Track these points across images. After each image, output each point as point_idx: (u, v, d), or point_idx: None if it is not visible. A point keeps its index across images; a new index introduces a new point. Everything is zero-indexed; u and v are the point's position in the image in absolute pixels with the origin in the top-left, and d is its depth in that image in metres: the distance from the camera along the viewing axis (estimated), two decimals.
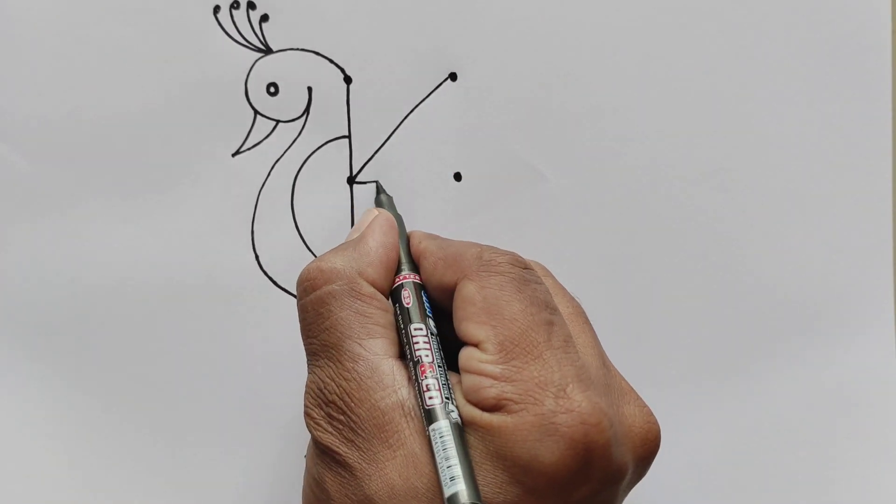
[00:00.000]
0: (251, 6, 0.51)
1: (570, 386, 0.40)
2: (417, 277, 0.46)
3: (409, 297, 0.45)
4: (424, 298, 0.45)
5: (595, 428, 0.40)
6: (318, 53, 0.51)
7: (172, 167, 0.51)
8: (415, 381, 0.42)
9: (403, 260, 0.46)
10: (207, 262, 0.51)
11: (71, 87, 0.50)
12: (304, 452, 0.51)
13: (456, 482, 0.39)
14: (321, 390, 0.43)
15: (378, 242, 0.46)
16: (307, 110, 0.51)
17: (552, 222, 0.51)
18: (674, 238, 0.51)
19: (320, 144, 0.51)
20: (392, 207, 0.50)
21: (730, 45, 0.51)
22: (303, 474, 0.50)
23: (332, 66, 0.51)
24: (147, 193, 0.51)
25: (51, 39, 0.50)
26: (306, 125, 0.51)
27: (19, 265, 0.51)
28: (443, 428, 0.40)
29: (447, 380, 0.42)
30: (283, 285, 0.51)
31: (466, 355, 0.42)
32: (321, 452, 0.42)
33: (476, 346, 0.42)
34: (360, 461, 0.41)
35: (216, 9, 0.50)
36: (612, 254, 0.51)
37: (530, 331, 0.41)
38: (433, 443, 0.40)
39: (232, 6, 0.50)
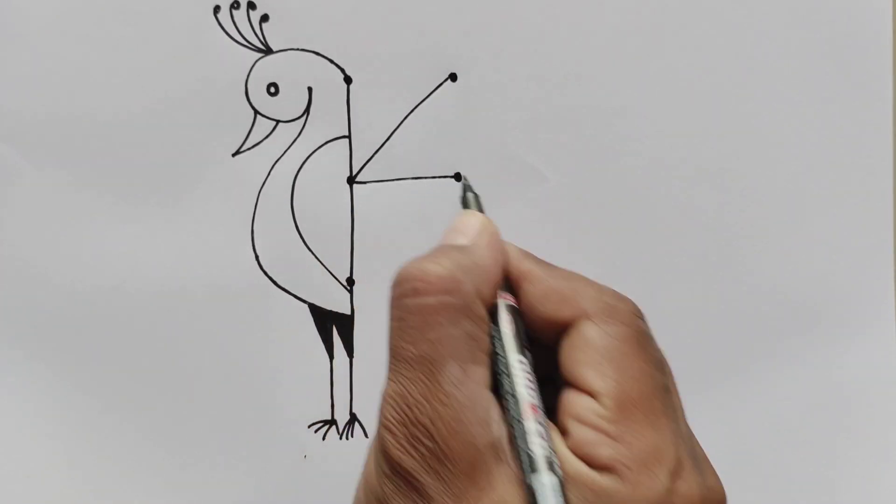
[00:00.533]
0: (251, 6, 0.51)
1: (686, 468, 0.38)
2: (514, 301, 0.42)
3: (509, 323, 0.41)
4: (521, 326, 0.41)
5: None
6: (318, 53, 0.51)
7: (172, 167, 0.51)
8: (512, 419, 0.39)
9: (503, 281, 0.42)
10: (207, 262, 0.51)
11: (71, 87, 0.50)
12: (304, 453, 0.51)
13: None
14: (409, 407, 0.39)
15: (490, 258, 0.41)
16: (307, 110, 0.51)
17: (552, 222, 0.51)
18: (674, 238, 0.51)
19: (320, 144, 0.51)
20: (481, 208, 0.44)
21: (730, 45, 0.51)
22: (309, 471, 0.51)
23: (332, 66, 0.51)
24: (147, 193, 0.51)
25: (51, 39, 0.50)
26: (306, 125, 0.51)
27: (19, 265, 0.51)
28: (550, 484, 0.37)
29: (546, 426, 0.39)
30: (283, 285, 0.51)
31: (579, 403, 0.39)
32: (394, 473, 0.39)
33: (591, 395, 0.39)
34: (443, 495, 0.38)
35: (216, 9, 0.50)
36: (612, 254, 0.51)
37: (651, 395, 0.39)
38: (538, 495, 0.37)
39: (232, 6, 0.50)
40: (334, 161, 0.51)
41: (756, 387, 0.52)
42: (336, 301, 0.51)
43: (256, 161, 0.51)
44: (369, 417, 0.52)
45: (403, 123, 0.51)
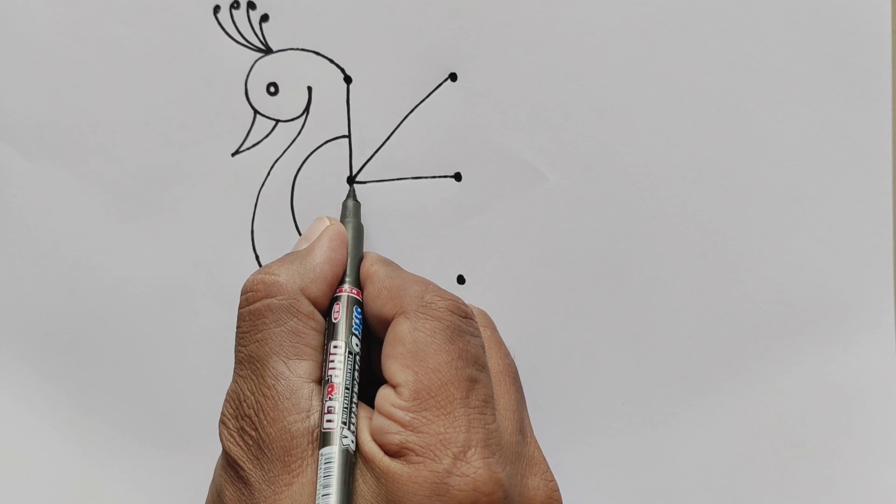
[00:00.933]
0: (251, 6, 0.51)
1: (473, 450, 0.40)
2: (359, 293, 0.45)
3: (338, 312, 0.44)
4: (357, 314, 0.44)
5: (486, 497, 0.40)
6: (318, 53, 0.51)
7: (172, 167, 0.51)
8: (322, 400, 0.42)
9: (348, 273, 0.46)
10: (207, 262, 0.51)
11: (71, 87, 0.50)
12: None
13: None
14: (240, 402, 0.43)
15: (324, 257, 0.45)
16: (307, 110, 0.51)
17: (552, 222, 0.51)
18: (674, 238, 0.51)
19: (320, 144, 0.51)
20: (356, 216, 0.49)
21: (730, 44, 0.51)
22: None
23: (332, 66, 0.51)
24: (147, 193, 0.51)
25: (51, 39, 0.50)
26: (306, 125, 0.51)
27: (19, 265, 0.51)
28: (330, 454, 0.40)
29: (353, 404, 0.42)
30: None
31: (382, 395, 0.42)
32: (227, 464, 0.42)
33: (394, 387, 0.42)
34: (260, 481, 0.41)
35: (216, 9, 0.50)
36: (612, 254, 0.51)
37: (450, 385, 0.41)
38: (319, 467, 0.40)
39: (232, 6, 0.50)
40: (334, 161, 0.51)
41: (756, 386, 0.52)
42: None
43: (256, 161, 0.51)
44: None
45: (403, 123, 0.51)
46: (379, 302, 0.45)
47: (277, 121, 0.51)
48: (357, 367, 0.43)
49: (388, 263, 0.47)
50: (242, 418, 0.42)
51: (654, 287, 0.51)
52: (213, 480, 0.44)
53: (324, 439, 0.41)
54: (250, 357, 0.43)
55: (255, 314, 0.44)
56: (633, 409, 0.51)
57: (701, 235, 0.51)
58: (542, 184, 0.51)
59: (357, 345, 0.44)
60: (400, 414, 0.41)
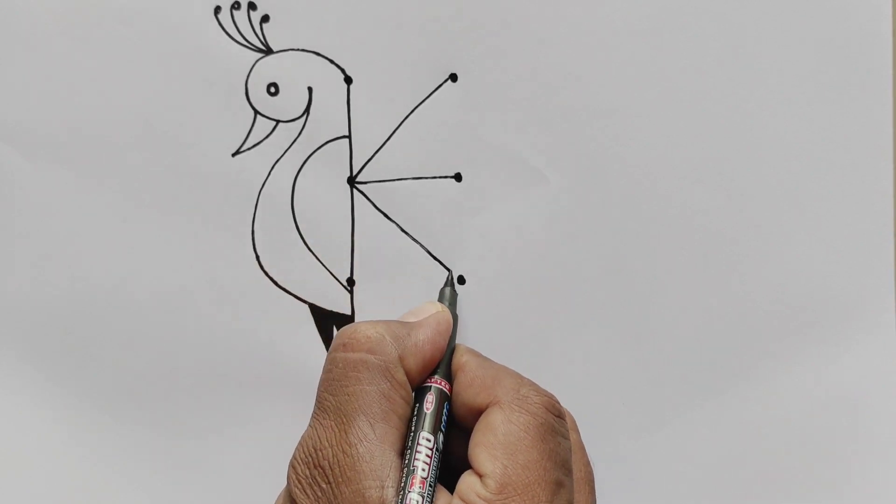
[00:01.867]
0: (252, 7, 0.51)
1: None
2: (447, 386, 0.45)
3: (431, 403, 0.44)
4: (446, 411, 0.45)
5: None
6: (318, 53, 0.51)
7: (172, 167, 0.51)
8: (402, 487, 0.42)
9: (443, 362, 0.46)
10: (207, 262, 0.51)
11: (71, 88, 0.50)
12: None
13: None
14: (316, 451, 0.42)
15: (428, 338, 0.45)
16: (307, 110, 0.51)
17: (552, 222, 0.51)
18: (674, 238, 0.51)
19: (320, 144, 0.51)
20: (454, 305, 0.49)
21: (730, 44, 0.51)
22: None
23: (332, 66, 0.51)
24: (147, 193, 0.51)
25: (51, 39, 0.50)
26: (306, 125, 0.51)
27: (19, 265, 0.51)
28: None
29: (432, 499, 0.42)
30: (283, 285, 0.51)
31: (467, 482, 0.42)
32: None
33: (480, 476, 0.42)
34: None
35: (217, 9, 0.51)
36: (612, 254, 0.51)
37: (536, 485, 0.41)
38: None
39: (233, 7, 0.51)
40: (334, 161, 0.51)
41: (756, 387, 0.52)
42: (336, 301, 0.51)
43: (257, 161, 0.51)
44: None
45: (403, 124, 0.51)
46: (472, 391, 0.45)
47: (278, 121, 0.51)
48: (439, 464, 0.43)
49: (478, 355, 0.47)
50: (316, 468, 0.42)
51: (655, 287, 0.51)
52: None
53: None
54: (337, 408, 0.43)
55: (350, 365, 0.43)
56: (633, 409, 0.51)
57: (701, 236, 0.51)
58: (543, 184, 0.51)
59: (442, 442, 0.44)
60: None
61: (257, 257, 0.51)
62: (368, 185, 0.51)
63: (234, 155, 0.51)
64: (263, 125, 0.51)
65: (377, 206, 0.51)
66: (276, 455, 0.51)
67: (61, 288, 0.51)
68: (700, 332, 0.51)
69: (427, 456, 0.43)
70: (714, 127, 0.51)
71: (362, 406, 0.42)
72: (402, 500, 0.41)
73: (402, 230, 0.51)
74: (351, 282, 0.51)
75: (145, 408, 0.51)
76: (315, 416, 0.43)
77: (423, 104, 0.51)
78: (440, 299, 0.49)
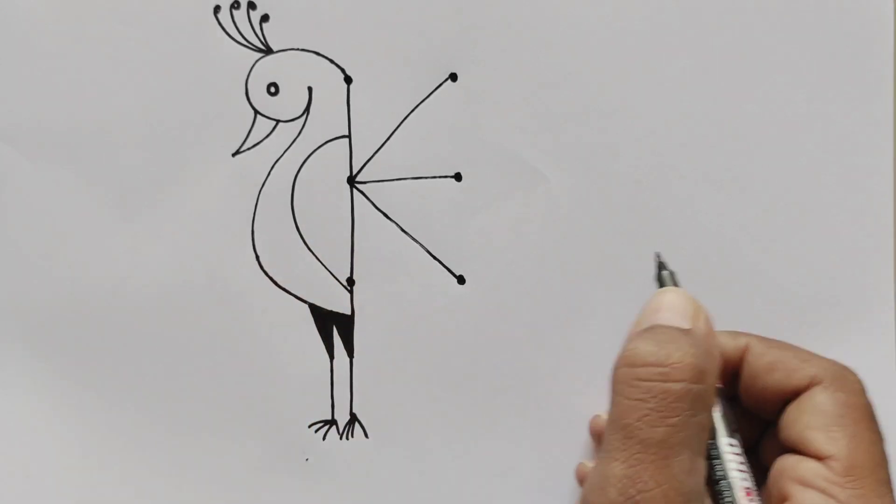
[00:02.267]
0: (251, 6, 0.51)
1: None
2: (720, 383, 0.43)
3: (718, 410, 0.42)
4: (730, 408, 0.43)
5: None
6: (318, 53, 0.51)
7: (172, 167, 0.51)
8: (722, 496, 0.40)
9: None
10: (207, 262, 0.51)
11: (71, 87, 0.50)
12: (305, 456, 0.51)
13: None
14: (637, 492, 0.38)
15: (716, 346, 0.42)
16: (307, 110, 0.51)
17: (552, 222, 0.51)
18: (674, 238, 0.51)
19: (320, 144, 0.51)
20: (678, 285, 0.46)
21: (730, 44, 0.51)
22: (309, 471, 0.50)
23: (332, 66, 0.51)
24: (147, 193, 0.51)
25: (51, 39, 0.50)
26: (306, 125, 0.51)
27: (19, 265, 0.51)
28: None
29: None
30: (283, 285, 0.51)
31: (809, 468, 0.40)
32: None
33: (820, 459, 0.40)
34: None
35: (216, 9, 0.50)
36: (613, 254, 0.51)
37: (880, 467, 0.40)
38: None
39: (232, 6, 0.50)
40: (334, 161, 0.51)
41: None
42: (336, 301, 0.51)
43: (256, 161, 0.51)
44: (369, 417, 0.52)
45: (403, 123, 0.51)
46: (777, 374, 0.43)
47: (278, 121, 0.51)
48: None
49: (748, 334, 0.45)
50: (628, 499, 0.38)
51: (655, 287, 0.51)
52: None
53: None
54: (660, 442, 0.39)
55: (676, 397, 0.39)
56: None
57: (701, 235, 0.51)
58: (543, 184, 0.51)
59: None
60: (835, 489, 0.39)
61: (257, 257, 0.51)
62: (368, 184, 0.51)
63: (234, 155, 0.51)
64: (263, 125, 0.51)
65: (377, 205, 0.51)
66: (276, 455, 0.51)
67: (61, 288, 0.51)
68: None
69: (741, 462, 0.41)
70: (714, 127, 0.51)
71: (686, 440, 0.39)
72: None
73: (402, 230, 0.51)
74: (351, 282, 0.51)
75: (144, 407, 0.51)
76: (625, 449, 0.39)
77: (422, 104, 0.51)
78: (662, 285, 0.45)
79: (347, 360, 0.52)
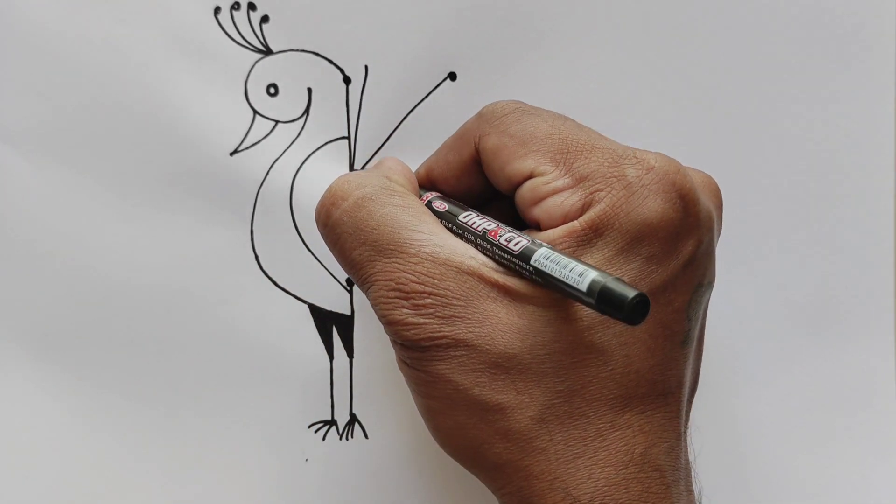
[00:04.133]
0: (252, 7, 0.51)
1: (638, 152, 0.41)
2: (439, 194, 0.45)
3: (441, 205, 0.44)
4: (455, 202, 0.44)
5: (678, 175, 0.41)
6: (317, 54, 0.51)
7: (172, 167, 0.51)
8: (491, 248, 0.41)
9: (419, 188, 0.46)
10: (207, 262, 0.51)
11: (71, 87, 0.50)
12: (305, 456, 0.51)
13: (586, 274, 0.37)
14: (395, 289, 0.40)
15: (394, 162, 0.46)
16: (307, 111, 0.51)
17: None
18: None
19: (320, 145, 0.51)
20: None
21: (732, 44, 0.51)
22: (309, 472, 0.50)
23: (332, 66, 0.51)
24: (147, 193, 0.51)
25: (51, 39, 0.50)
26: (306, 125, 0.51)
27: (19, 265, 0.51)
28: (545, 252, 0.39)
29: (520, 231, 0.41)
30: (283, 285, 0.51)
31: (529, 188, 0.41)
32: (423, 350, 0.40)
33: (529, 177, 0.41)
34: (470, 330, 0.40)
35: (217, 10, 0.51)
36: None
37: (569, 135, 0.42)
38: (544, 268, 0.38)
39: (232, 7, 0.50)
40: (334, 161, 0.51)
41: (756, 387, 0.52)
42: (336, 301, 0.51)
43: (255, 160, 0.51)
44: (369, 418, 0.52)
45: (403, 123, 0.51)
46: (453, 158, 0.45)
47: (277, 122, 0.51)
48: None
49: (431, 155, 0.47)
50: (409, 297, 0.40)
51: None
52: (416, 393, 0.42)
53: (524, 257, 0.39)
54: (376, 247, 0.41)
55: (354, 209, 0.42)
56: None
57: None
58: None
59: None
60: (559, 182, 0.41)
61: (256, 257, 0.51)
62: None
63: (232, 154, 0.51)
64: (263, 125, 0.51)
65: None
66: (276, 454, 0.51)
67: (61, 288, 0.51)
68: None
69: (481, 219, 0.42)
70: (715, 126, 0.51)
71: (395, 225, 0.41)
72: (499, 246, 0.40)
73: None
74: (350, 282, 0.51)
75: (144, 407, 0.51)
76: (364, 277, 0.42)
77: (422, 104, 0.51)
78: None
79: (347, 360, 0.52)
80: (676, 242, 0.40)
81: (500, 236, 0.40)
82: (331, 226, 0.43)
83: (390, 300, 0.41)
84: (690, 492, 0.42)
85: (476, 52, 0.51)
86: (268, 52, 0.51)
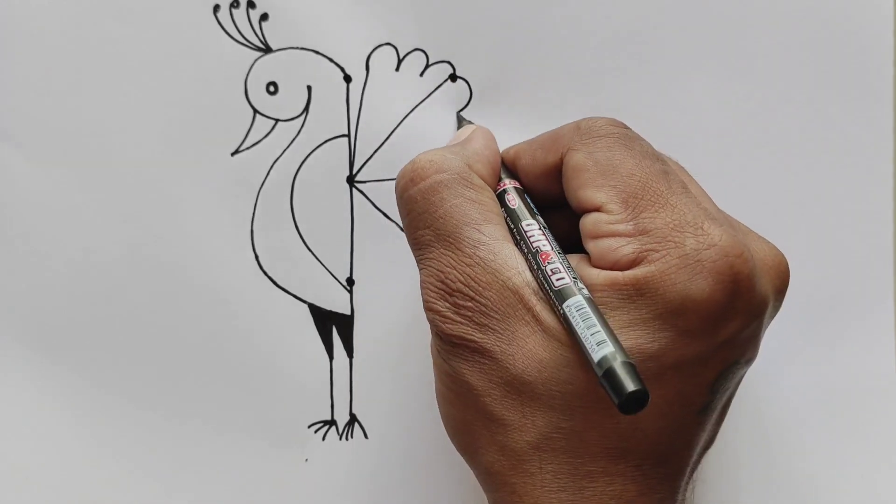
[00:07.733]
0: (251, 5, 0.51)
1: (706, 224, 0.40)
2: (517, 184, 0.45)
3: (514, 200, 0.44)
4: (529, 201, 0.45)
5: (739, 259, 0.40)
6: (317, 52, 0.51)
7: (172, 166, 0.51)
8: (537, 270, 0.41)
9: (502, 169, 0.46)
10: (207, 262, 0.51)
11: (71, 87, 0.50)
12: (305, 457, 0.51)
13: (603, 346, 0.38)
14: (443, 281, 0.42)
15: (483, 145, 0.46)
16: (307, 109, 0.51)
17: None
18: None
19: (320, 143, 0.51)
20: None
21: (730, 44, 0.51)
22: (309, 472, 0.50)
23: (332, 64, 0.51)
24: (147, 193, 0.51)
25: (51, 39, 0.50)
26: (306, 124, 0.51)
27: (19, 265, 0.51)
28: (579, 302, 0.39)
29: (569, 264, 0.41)
30: (283, 285, 0.51)
31: (592, 221, 0.41)
32: (452, 346, 0.42)
33: (598, 210, 0.41)
34: (498, 343, 0.41)
35: (216, 8, 0.50)
36: None
37: (651, 181, 0.41)
38: (571, 318, 0.39)
39: (232, 5, 0.50)
40: (334, 160, 0.51)
41: (756, 387, 0.52)
42: (336, 301, 0.51)
43: (256, 160, 0.51)
44: (369, 418, 0.52)
45: (403, 123, 0.51)
46: (539, 160, 0.45)
47: (277, 120, 0.51)
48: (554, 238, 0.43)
49: (525, 142, 0.47)
50: (452, 294, 0.41)
51: None
52: (437, 374, 0.43)
53: (561, 297, 0.40)
54: (438, 235, 0.42)
55: (428, 192, 0.43)
56: None
57: None
58: None
59: (544, 222, 0.44)
60: (621, 226, 0.41)
61: (256, 257, 0.51)
62: (368, 184, 0.51)
63: (233, 154, 0.51)
64: (263, 124, 0.51)
65: (377, 205, 0.51)
66: (275, 454, 0.51)
67: (61, 288, 0.51)
68: None
69: (540, 234, 0.42)
70: (714, 126, 0.51)
71: (461, 219, 0.42)
72: (543, 278, 0.41)
73: (402, 229, 0.51)
74: (350, 281, 0.51)
75: (143, 407, 0.51)
76: (420, 258, 0.43)
77: (422, 104, 0.51)
78: (461, 123, 0.50)
79: (347, 360, 0.52)
80: (717, 323, 0.40)
81: (548, 264, 0.41)
82: (405, 199, 0.44)
83: (435, 290, 0.42)
84: None
85: (476, 53, 0.51)
86: (267, 50, 0.51)
